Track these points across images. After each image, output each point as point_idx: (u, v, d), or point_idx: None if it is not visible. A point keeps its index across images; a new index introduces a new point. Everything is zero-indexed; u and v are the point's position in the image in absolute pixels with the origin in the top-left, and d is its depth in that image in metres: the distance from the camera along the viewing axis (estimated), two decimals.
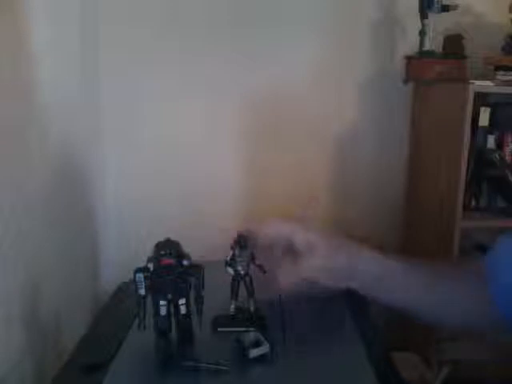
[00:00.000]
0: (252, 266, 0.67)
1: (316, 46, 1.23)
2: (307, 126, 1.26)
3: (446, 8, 1.14)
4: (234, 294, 0.67)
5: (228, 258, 0.66)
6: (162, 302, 0.60)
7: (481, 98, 1.10)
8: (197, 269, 0.61)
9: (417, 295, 0.64)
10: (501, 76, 1.13)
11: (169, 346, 0.60)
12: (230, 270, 0.66)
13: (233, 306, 0.67)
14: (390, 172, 1.33)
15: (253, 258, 0.66)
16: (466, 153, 1.09)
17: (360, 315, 0.71)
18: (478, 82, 1.10)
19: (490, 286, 0.59)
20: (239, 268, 0.66)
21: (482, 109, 1.13)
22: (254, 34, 1.21)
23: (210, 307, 0.64)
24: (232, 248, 0.66)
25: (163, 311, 0.60)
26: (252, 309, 0.67)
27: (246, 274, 0.66)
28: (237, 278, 0.66)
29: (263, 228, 0.65)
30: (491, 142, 1.16)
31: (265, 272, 0.67)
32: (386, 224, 1.34)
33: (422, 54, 1.18)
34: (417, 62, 1.19)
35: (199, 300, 0.61)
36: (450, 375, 1.16)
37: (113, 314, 0.76)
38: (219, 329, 0.65)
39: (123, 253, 1.16)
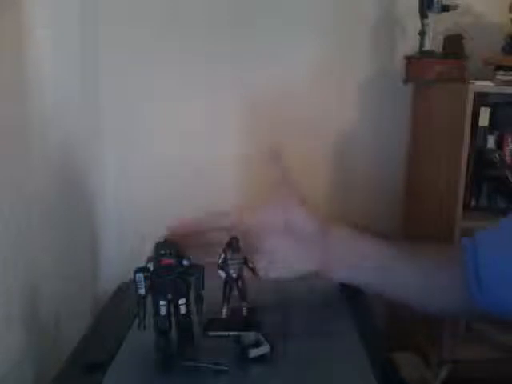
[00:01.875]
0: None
1: (316, 45, 1.23)
2: (307, 125, 1.26)
3: (446, 8, 1.14)
4: (226, 297, 0.66)
5: (220, 261, 0.66)
6: (161, 302, 0.60)
7: (481, 98, 1.10)
8: (197, 269, 0.61)
9: (409, 281, 0.66)
10: (501, 76, 1.13)
11: (169, 346, 0.60)
12: (222, 273, 0.66)
13: (225, 310, 0.67)
14: (390, 172, 1.33)
15: (245, 261, 0.66)
16: (465, 153, 1.09)
17: (360, 315, 0.71)
18: (478, 82, 1.10)
19: (469, 276, 0.61)
20: (231, 271, 0.66)
21: (482, 109, 1.13)
22: (254, 34, 1.21)
23: (210, 307, 0.64)
24: (224, 251, 0.65)
25: (163, 311, 0.60)
26: (244, 313, 0.67)
27: (239, 277, 0.66)
28: (229, 282, 0.66)
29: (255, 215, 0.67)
30: (491, 142, 1.16)
31: (258, 275, 0.67)
32: (386, 224, 1.34)
33: (422, 54, 1.18)
34: (417, 61, 1.19)
35: (199, 300, 0.61)
36: (449, 375, 1.16)
37: (113, 314, 0.76)
38: (210, 333, 0.65)
39: (123, 253, 1.16)
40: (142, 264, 0.60)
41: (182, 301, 0.60)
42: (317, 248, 0.67)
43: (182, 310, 0.60)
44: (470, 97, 1.05)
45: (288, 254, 0.68)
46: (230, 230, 0.67)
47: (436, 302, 0.67)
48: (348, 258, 0.67)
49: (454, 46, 1.17)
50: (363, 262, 0.66)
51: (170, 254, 0.60)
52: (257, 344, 0.60)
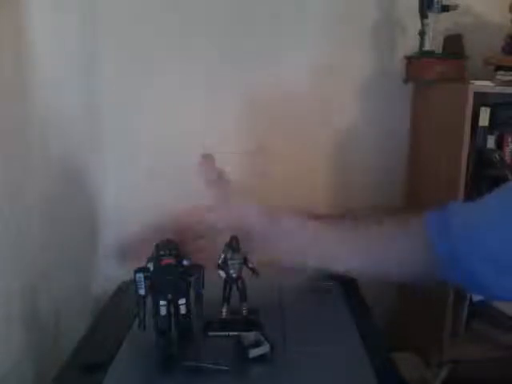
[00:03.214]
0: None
1: (316, 46, 1.23)
2: (307, 125, 1.26)
3: (446, 8, 1.14)
4: (226, 297, 0.67)
5: (220, 261, 0.66)
6: (161, 302, 0.60)
7: (481, 98, 1.10)
8: (197, 269, 0.61)
9: (358, 255, 0.66)
10: (501, 76, 1.13)
11: (169, 346, 0.60)
12: (222, 273, 0.66)
13: (225, 310, 0.67)
14: (390, 172, 1.33)
15: (245, 261, 0.66)
16: (465, 153, 1.09)
17: (360, 315, 0.71)
18: (477, 82, 1.10)
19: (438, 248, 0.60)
20: (231, 271, 0.66)
21: (482, 109, 1.13)
22: (254, 34, 1.21)
23: (210, 307, 0.64)
24: (224, 251, 0.65)
25: (163, 311, 0.60)
26: (244, 313, 0.67)
27: (239, 277, 0.66)
28: (229, 281, 0.66)
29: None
30: (491, 142, 1.16)
31: (258, 274, 0.67)
32: None
33: (422, 54, 1.18)
34: (417, 62, 1.19)
35: (199, 300, 0.61)
36: (449, 375, 1.16)
37: (113, 314, 0.76)
38: (210, 333, 0.65)
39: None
40: (141, 264, 0.60)
41: (181, 301, 0.60)
42: (266, 240, 0.67)
43: (182, 310, 0.60)
44: (470, 97, 1.05)
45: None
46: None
47: (394, 273, 0.67)
48: (296, 245, 0.67)
49: (453, 46, 1.17)
50: (312, 246, 0.67)
51: (170, 254, 0.60)
52: (257, 344, 0.60)
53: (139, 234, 0.68)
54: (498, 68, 1.14)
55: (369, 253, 0.66)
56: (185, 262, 0.60)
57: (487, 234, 0.58)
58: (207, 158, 0.71)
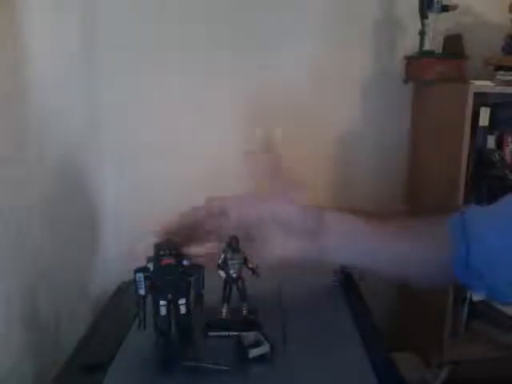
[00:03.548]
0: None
1: (316, 46, 1.23)
2: (306, 126, 1.26)
3: (445, 8, 1.14)
4: (226, 297, 0.67)
5: (220, 261, 0.66)
6: (161, 302, 0.60)
7: (481, 98, 1.10)
8: (197, 269, 0.61)
9: (377, 251, 0.67)
10: (501, 76, 1.13)
11: (169, 346, 0.60)
12: (222, 273, 0.66)
13: (225, 310, 0.67)
14: (390, 172, 1.33)
15: (245, 261, 0.66)
16: (465, 153, 1.09)
17: (360, 315, 0.71)
18: (477, 82, 1.10)
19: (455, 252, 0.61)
20: (231, 271, 0.66)
21: (482, 109, 1.13)
22: (254, 34, 1.21)
23: (210, 307, 0.64)
24: (224, 251, 0.65)
25: (163, 311, 0.60)
26: (244, 313, 0.67)
27: (239, 277, 0.66)
28: (229, 281, 0.66)
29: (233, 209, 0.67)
30: (491, 142, 1.17)
31: (258, 275, 0.67)
32: None
33: (422, 54, 1.18)
34: (417, 62, 1.19)
35: (199, 300, 0.61)
36: (449, 376, 1.16)
37: (113, 314, 0.76)
38: (210, 333, 0.65)
39: (123, 253, 1.16)
40: (141, 264, 0.60)
41: (181, 301, 0.60)
42: (311, 237, 0.67)
43: (182, 310, 0.60)
44: (470, 97, 1.06)
45: (281, 244, 0.67)
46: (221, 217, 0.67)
47: (413, 273, 0.68)
48: (343, 241, 0.67)
49: (453, 46, 1.17)
50: (357, 243, 0.67)
51: (170, 254, 0.60)
52: (257, 344, 0.59)
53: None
54: (498, 68, 1.14)
55: (393, 249, 0.66)
56: (185, 262, 0.60)
57: (498, 239, 0.59)
58: (254, 157, 0.70)
